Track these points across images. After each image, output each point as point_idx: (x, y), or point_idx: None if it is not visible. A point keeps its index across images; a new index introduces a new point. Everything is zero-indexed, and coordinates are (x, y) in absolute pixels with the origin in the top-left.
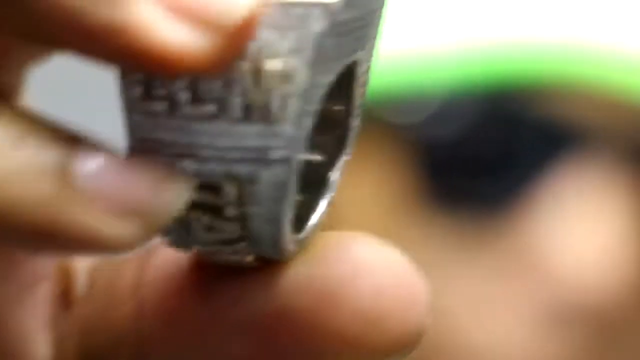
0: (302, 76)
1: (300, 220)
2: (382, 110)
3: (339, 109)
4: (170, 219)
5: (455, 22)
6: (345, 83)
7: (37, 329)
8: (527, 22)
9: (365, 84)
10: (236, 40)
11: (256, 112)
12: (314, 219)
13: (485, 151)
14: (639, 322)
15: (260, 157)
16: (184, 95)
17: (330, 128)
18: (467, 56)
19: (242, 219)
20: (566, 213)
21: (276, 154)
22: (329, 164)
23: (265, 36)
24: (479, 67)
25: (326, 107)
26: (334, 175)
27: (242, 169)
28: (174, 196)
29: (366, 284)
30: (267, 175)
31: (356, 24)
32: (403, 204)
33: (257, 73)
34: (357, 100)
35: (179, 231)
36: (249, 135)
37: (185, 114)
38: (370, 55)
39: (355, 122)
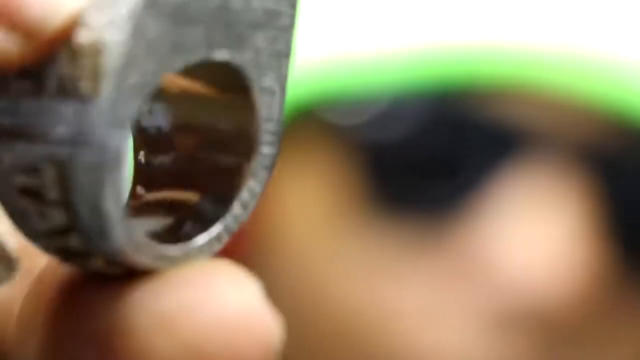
0: (115, 51)
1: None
2: (325, 111)
3: (241, 125)
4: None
5: (400, 23)
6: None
7: None
8: (472, 23)
9: (274, 93)
10: (51, 45)
11: (70, 89)
12: (201, 240)
13: (431, 154)
14: (586, 328)
15: (76, 138)
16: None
17: (233, 146)
18: (413, 57)
19: (66, 205)
20: (514, 216)
21: (91, 135)
22: (233, 187)
23: (84, 13)
24: (424, 68)
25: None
26: (236, 207)
27: (59, 150)
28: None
29: (203, 318)
30: (82, 157)
31: (204, 15)
32: (347, 207)
33: (70, 47)
34: (263, 112)
35: (19, 219)
36: (66, 113)
37: (10, 92)
38: (270, 62)
39: (268, 139)
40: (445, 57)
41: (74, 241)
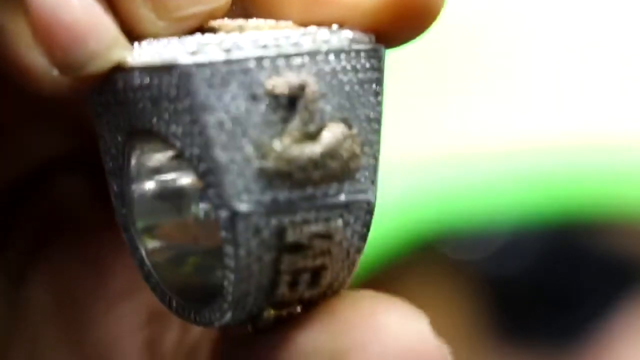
0: None
1: None
2: (445, 245)
3: None
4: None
5: (516, 154)
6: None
7: (127, 338)
8: (591, 155)
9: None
10: (87, 82)
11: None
12: None
13: (552, 286)
14: None
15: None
16: None
17: None
18: (530, 192)
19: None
20: (635, 348)
21: None
22: None
23: None
24: (543, 199)
25: None
26: None
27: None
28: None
29: (373, 352)
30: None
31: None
32: (469, 340)
33: None
34: None
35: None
36: None
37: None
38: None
39: None
40: (561, 190)
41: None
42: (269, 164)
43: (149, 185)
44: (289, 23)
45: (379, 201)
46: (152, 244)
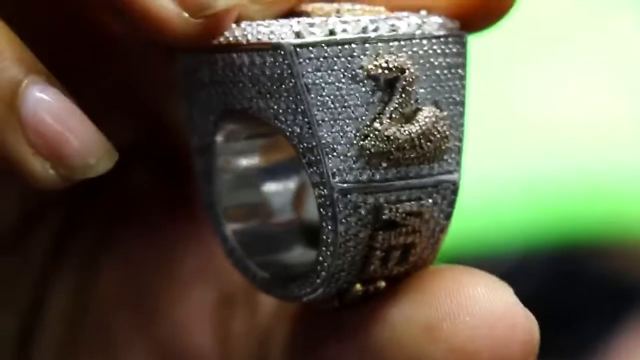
0: None
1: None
2: None
3: None
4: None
5: (524, 186)
6: None
7: (198, 322)
8: (594, 182)
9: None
10: (215, 25)
11: None
12: None
13: (559, 308)
14: None
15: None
16: None
17: None
18: (536, 216)
19: None
20: None
21: None
22: None
23: None
24: (548, 226)
25: None
26: None
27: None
28: (97, 162)
29: (465, 322)
30: None
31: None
32: None
33: None
34: None
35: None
36: None
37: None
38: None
39: None
40: (567, 213)
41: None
42: (370, 143)
43: (234, 164)
44: (381, 8)
45: None
46: (235, 220)
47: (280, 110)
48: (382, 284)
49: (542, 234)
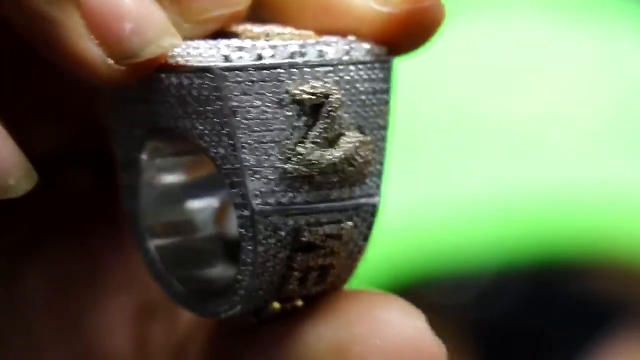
0: None
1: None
2: (428, 290)
3: None
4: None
5: (498, 206)
6: None
7: (119, 331)
8: (570, 202)
9: None
10: (140, 70)
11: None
12: None
13: (534, 328)
14: None
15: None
16: None
17: None
18: (511, 236)
19: None
20: None
21: None
22: None
23: None
24: (523, 246)
25: None
26: None
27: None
28: (16, 184)
29: (376, 345)
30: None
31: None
32: None
33: None
34: None
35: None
36: None
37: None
38: None
39: None
40: (542, 233)
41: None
42: (292, 167)
43: (158, 181)
44: (310, 32)
45: None
46: (157, 236)
47: (206, 132)
48: (300, 303)
49: (518, 253)
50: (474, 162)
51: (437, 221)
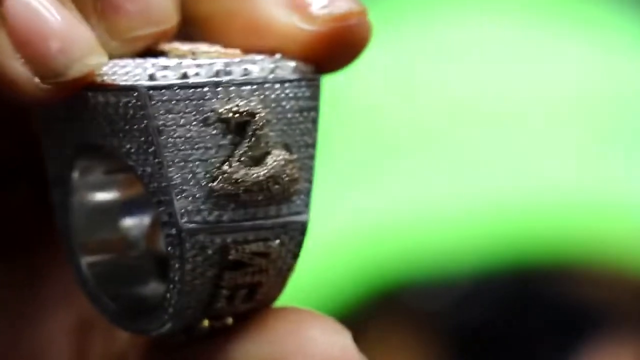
0: None
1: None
2: (407, 297)
3: None
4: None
5: (476, 209)
6: None
7: (57, 345)
8: (549, 206)
9: None
10: (67, 89)
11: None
12: None
13: (513, 334)
14: None
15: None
16: None
17: None
18: (488, 242)
19: None
20: None
21: None
22: None
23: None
24: (500, 251)
25: None
26: None
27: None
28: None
29: None
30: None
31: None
32: None
33: None
34: None
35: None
36: None
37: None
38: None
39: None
40: (519, 238)
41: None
42: (218, 185)
43: (90, 198)
44: (237, 51)
45: (338, 253)
46: (89, 252)
47: (132, 150)
48: (230, 320)
49: (497, 257)
50: (452, 166)
51: (414, 226)
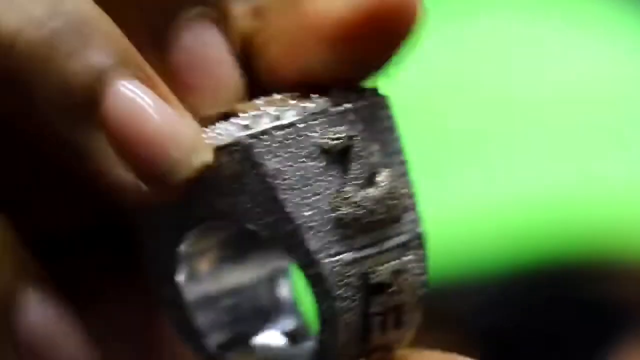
0: None
1: None
2: (434, 300)
3: None
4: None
5: (505, 207)
6: None
7: None
8: (580, 204)
9: None
10: (173, 191)
11: None
12: None
13: (542, 334)
14: None
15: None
16: None
17: None
18: (518, 240)
19: None
20: None
21: None
22: None
23: None
24: (530, 252)
25: None
26: None
27: None
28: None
29: None
30: None
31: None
32: None
33: None
34: None
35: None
36: None
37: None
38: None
39: None
40: (549, 238)
41: None
42: (342, 213)
43: (207, 287)
44: (296, 93)
45: None
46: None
47: (248, 206)
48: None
49: (524, 261)
50: (477, 167)
51: (441, 228)
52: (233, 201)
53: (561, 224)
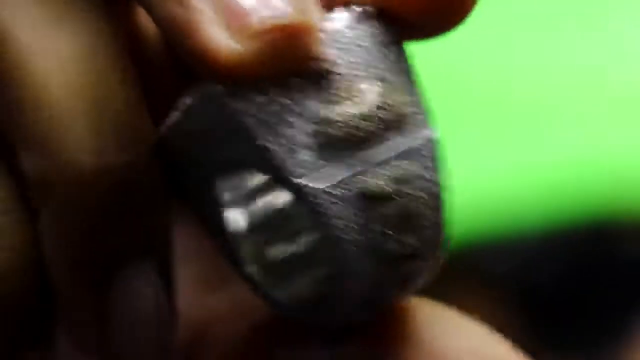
0: None
1: None
2: (476, 258)
3: None
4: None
5: (544, 167)
6: None
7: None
8: (622, 162)
9: None
10: (275, 47)
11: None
12: None
13: (583, 292)
14: None
15: None
16: None
17: None
18: (557, 201)
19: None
20: None
21: None
22: None
23: None
24: (569, 210)
25: None
26: None
27: None
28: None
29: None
30: None
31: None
32: None
33: None
34: None
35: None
36: None
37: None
38: None
39: None
40: (588, 196)
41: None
42: (325, 133)
43: (246, 212)
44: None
45: None
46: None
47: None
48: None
49: (564, 219)
50: (517, 129)
51: (480, 188)
52: (234, 148)
53: (599, 184)
